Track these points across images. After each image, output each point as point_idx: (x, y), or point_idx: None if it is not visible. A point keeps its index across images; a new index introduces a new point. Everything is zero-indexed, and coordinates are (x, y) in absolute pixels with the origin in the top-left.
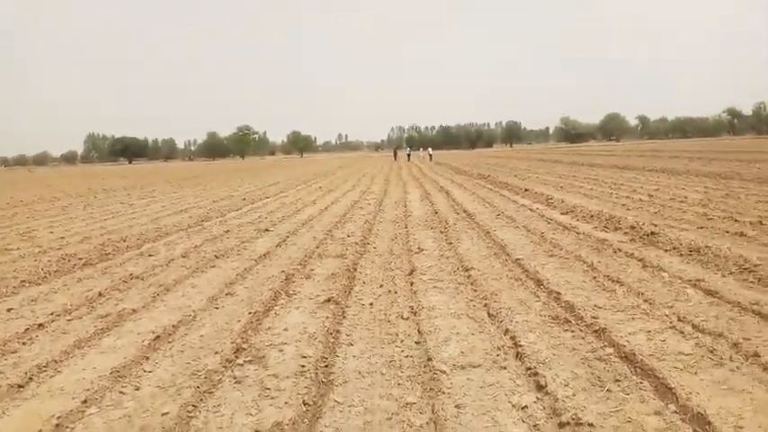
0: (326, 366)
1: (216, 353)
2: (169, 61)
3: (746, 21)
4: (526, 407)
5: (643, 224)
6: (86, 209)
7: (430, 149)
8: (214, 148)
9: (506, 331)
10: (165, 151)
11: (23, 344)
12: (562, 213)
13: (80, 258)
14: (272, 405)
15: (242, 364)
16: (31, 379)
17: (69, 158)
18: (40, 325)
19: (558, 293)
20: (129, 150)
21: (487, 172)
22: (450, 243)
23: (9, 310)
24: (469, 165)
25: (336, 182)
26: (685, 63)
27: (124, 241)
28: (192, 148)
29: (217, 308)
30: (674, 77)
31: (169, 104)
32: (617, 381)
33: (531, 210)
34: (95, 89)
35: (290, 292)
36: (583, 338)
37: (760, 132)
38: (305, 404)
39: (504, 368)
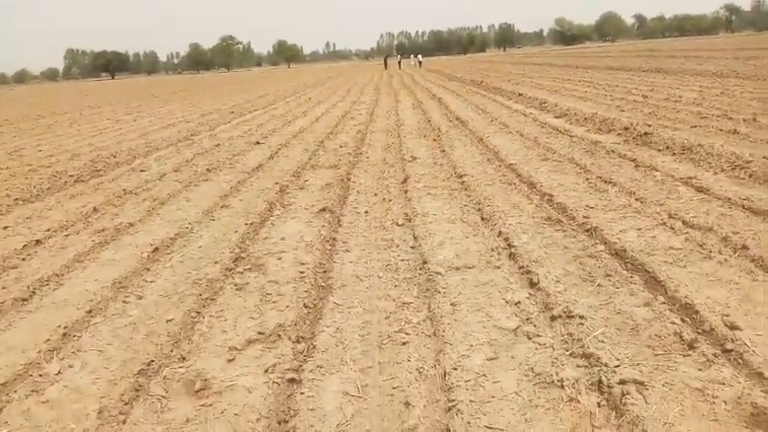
0: (324, 272)
1: (215, 262)
2: None
3: None
4: (519, 302)
5: (637, 125)
6: (73, 126)
7: (420, 56)
8: (198, 61)
9: (500, 233)
10: (147, 65)
11: (23, 259)
12: (556, 117)
13: (71, 175)
14: (273, 309)
15: (242, 272)
16: (33, 292)
17: (50, 75)
18: (38, 241)
19: (551, 195)
20: (111, 65)
21: (480, 78)
22: (444, 150)
23: (5, 228)
24: (462, 71)
25: (326, 93)
26: None
27: (114, 157)
28: (175, 62)
29: (213, 219)
30: None
31: (149, 17)
32: (607, 276)
33: (524, 115)
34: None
35: (285, 202)
36: (574, 237)
37: (759, 29)
38: (305, 307)
39: (498, 268)
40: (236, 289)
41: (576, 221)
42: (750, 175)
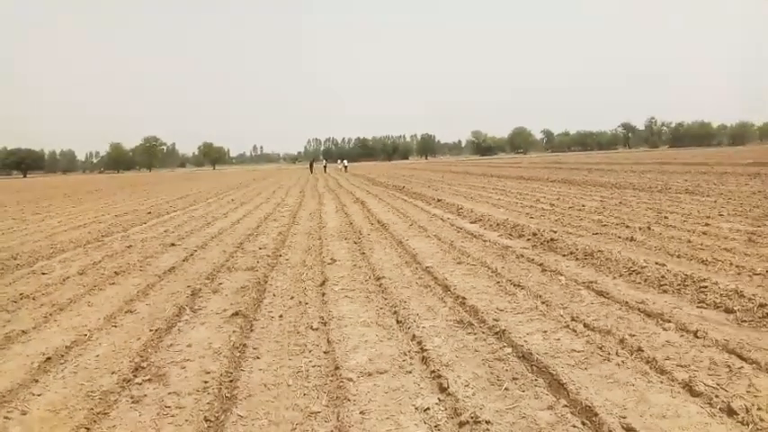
0: (231, 381)
1: (112, 373)
2: (70, 71)
3: (638, 45)
4: (428, 409)
5: (544, 231)
6: None
7: (345, 161)
8: (119, 160)
9: (413, 337)
10: (63, 164)
11: None
12: (471, 222)
13: None
14: (171, 423)
15: (140, 384)
16: None
17: None
18: None
19: (464, 298)
20: (23, 163)
21: (402, 183)
22: (364, 253)
23: None
24: (386, 176)
25: (250, 194)
26: (585, 80)
27: (14, 259)
28: (94, 161)
29: (115, 326)
30: (576, 94)
31: (70, 119)
32: (514, 379)
33: (442, 219)
34: None
35: (196, 307)
36: (485, 340)
37: (652, 145)
38: (206, 420)
39: (410, 372)
40: (133, 402)
41: (486, 324)
42: (645, 280)
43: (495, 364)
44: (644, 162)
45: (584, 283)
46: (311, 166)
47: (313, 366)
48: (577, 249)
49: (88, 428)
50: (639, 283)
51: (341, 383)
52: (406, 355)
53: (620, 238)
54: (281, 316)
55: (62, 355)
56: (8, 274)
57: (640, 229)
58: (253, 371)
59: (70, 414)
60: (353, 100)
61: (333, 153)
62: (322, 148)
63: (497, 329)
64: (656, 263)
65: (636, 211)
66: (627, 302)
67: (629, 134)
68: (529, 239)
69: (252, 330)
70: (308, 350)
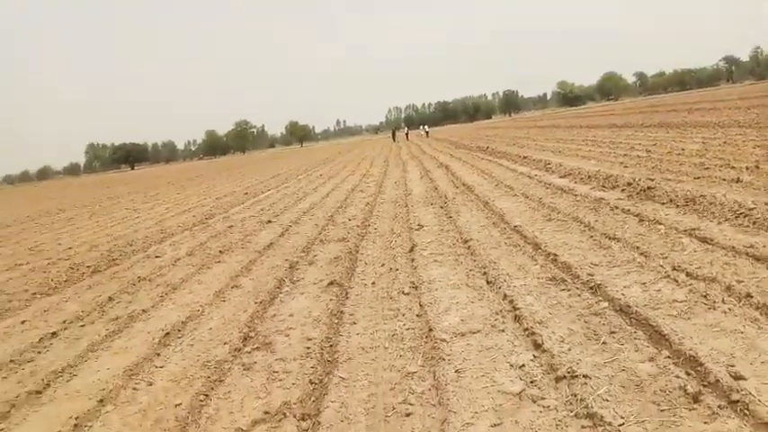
0: (331, 346)
1: (225, 343)
2: (160, 65)
3: None
4: (523, 365)
5: (640, 180)
6: (92, 218)
7: (426, 126)
8: (214, 146)
9: (505, 296)
10: (165, 154)
11: (38, 352)
12: (560, 177)
13: (88, 266)
14: (279, 387)
15: (250, 352)
16: (48, 385)
17: (72, 170)
18: (54, 333)
19: (556, 255)
20: (130, 156)
21: (486, 143)
22: (450, 217)
23: (23, 322)
24: (468, 138)
25: (336, 168)
26: (681, 16)
27: (131, 245)
28: (192, 149)
29: (224, 301)
30: (671, 33)
31: (165, 110)
32: (612, 333)
33: (529, 177)
34: (93, 102)
35: (294, 278)
36: (579, 296)
37: (759, 77)
38: (311, 383)
39: (503, 331)
40: (244, 369)
41: (580, 279)
42: (754, 223)
43: (591, 318)
44: (750, 96)
45: (685, 230)
46: (393, 134)
47: (407, 329)
48: (677, 196)
49: (207, 395)
50: (747, 226)
51: (435, 344)
52: (497, 314)
53: (724, 180)
54: (373, 283)
55: (179, 330)
56: (126, 260)
57: (747, 168)
58: (351, 335)
59: (190, 383)
60: (430, 62)
61: (414, 119)
62: (403, 115)
63: (592, 284)
64: (766, 203)
65: (742, 150)
66: (733, 247)
67: (732, 67)
68: (623, 190)
69: (347, 298)
70: (401, 314)
